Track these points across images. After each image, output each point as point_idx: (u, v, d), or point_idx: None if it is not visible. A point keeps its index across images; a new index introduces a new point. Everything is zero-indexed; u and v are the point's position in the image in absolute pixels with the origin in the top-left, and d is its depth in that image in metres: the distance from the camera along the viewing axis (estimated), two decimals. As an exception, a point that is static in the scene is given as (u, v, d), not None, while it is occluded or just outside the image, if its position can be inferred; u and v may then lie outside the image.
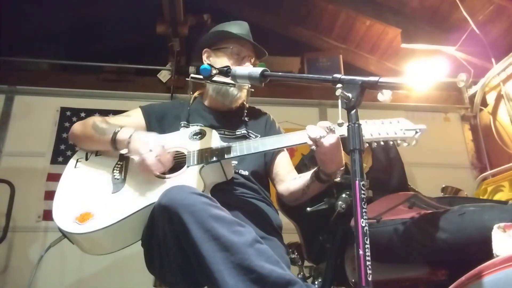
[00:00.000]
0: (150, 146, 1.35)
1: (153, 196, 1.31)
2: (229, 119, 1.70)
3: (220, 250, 1.05)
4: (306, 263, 1.87)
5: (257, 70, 1.24)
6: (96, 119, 1.54)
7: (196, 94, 1.81)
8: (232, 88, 1.61)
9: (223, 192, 1.45)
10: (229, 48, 1.66)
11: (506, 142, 3.22)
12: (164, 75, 3.44)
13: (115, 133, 1.43)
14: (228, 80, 1.34)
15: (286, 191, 1.57)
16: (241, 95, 1.68)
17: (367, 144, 1.30)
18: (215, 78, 1.39)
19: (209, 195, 1.22)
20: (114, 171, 1.46)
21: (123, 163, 1.49)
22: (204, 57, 1.72)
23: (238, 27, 1.71)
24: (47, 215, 2.89)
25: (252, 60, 1.68)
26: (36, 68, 3.52)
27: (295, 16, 4.01)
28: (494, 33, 3.21)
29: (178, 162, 1.44)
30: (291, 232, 1.90)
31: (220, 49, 1.69)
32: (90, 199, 1.37)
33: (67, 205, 1.36)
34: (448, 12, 3.30)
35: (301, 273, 1.79)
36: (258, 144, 1.42)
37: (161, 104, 1.80)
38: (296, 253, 1.80)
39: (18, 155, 3.07)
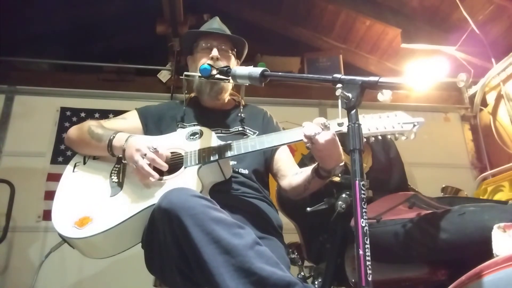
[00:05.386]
0: (144, 152, 1.35)
1: (152, 198, 1.31)
2: (225, 117, 1.70)
3: (220, 253, 1.05)
4: (306, 263, 1.86)
5: (257, 70, 1.24)
6: (92, 124, 1.54)
7: (192, 94, 1.80)
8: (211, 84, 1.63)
9: (224, 192, 1.45)
10: (199, 45, 1.70)
11: (506, 142, 3.22)
12: (164, 75, 3.44)
13: (110, 140, 1.44)
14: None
15: (289, 186, 1.57)
16: (221, 88, 1.66)
17: (365, 139, 1.28)
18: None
19: (209, 197, 1.21)
20: (112, 174, 1.46)
21: (121, 166, 1.49)
22: (189, 64, 1.78)
23: (207, 24, 1.77)
24: (47, 215, 2.88)
25: (224, 47, 1.68)
26: (36, 68, 3.52)
27: (295, 16, 4.00)
28: (494, 33, 3.21)
29: (176, 163, 1.43)
30: (291, 232, 1.89)
31: (194, 50, 1.74)
32: (89, 203, 1.37)
33: (66, 210, 1.36)
34: (448, 12, 3.29)
35: (301, 273, 1.79)
36: (255, 143, 1.41)
37: (157, 106, 1.79)
38: (296, 253, 1.80)
39: (18, 155, 3.07)
